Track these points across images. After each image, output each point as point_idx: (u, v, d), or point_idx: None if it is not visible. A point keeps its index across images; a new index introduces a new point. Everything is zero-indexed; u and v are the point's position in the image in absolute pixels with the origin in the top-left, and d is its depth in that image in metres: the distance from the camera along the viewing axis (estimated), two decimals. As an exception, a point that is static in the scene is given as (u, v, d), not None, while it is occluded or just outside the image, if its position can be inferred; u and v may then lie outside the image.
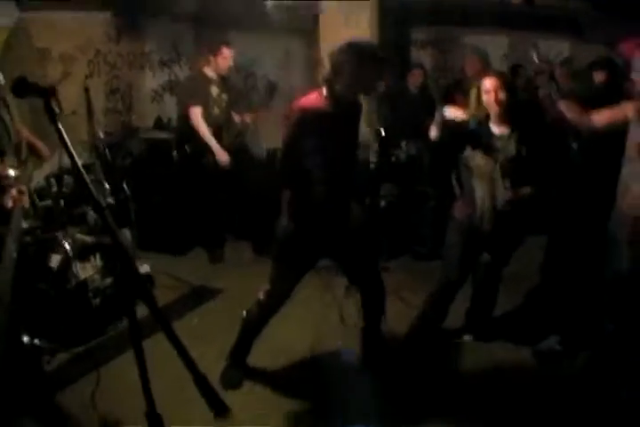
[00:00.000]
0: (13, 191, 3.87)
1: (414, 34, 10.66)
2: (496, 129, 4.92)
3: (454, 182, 5.28)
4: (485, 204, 4.97)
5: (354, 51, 4.27)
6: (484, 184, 4.95)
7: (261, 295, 4.73)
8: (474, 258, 5.22)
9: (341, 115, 4.40)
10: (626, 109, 4.68)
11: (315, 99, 4.40)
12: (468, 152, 4.96)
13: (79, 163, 2.42)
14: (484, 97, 4.85)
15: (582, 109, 4.98)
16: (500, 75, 4.96)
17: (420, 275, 6.56)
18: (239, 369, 4.95)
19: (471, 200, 5.03)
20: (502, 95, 4.79)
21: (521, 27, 9.19)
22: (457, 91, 7.70)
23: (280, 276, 4.69)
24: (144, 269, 5.96)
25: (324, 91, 4.38)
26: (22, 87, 2.60)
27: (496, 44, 10.00)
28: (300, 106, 4.38)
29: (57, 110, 2.52)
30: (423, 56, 10.74)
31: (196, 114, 7.09)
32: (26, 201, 3.99)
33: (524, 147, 4.84)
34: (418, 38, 10.67)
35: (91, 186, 2.41)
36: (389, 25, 8.92)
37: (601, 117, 4.87)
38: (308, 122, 4.32)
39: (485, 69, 7.38)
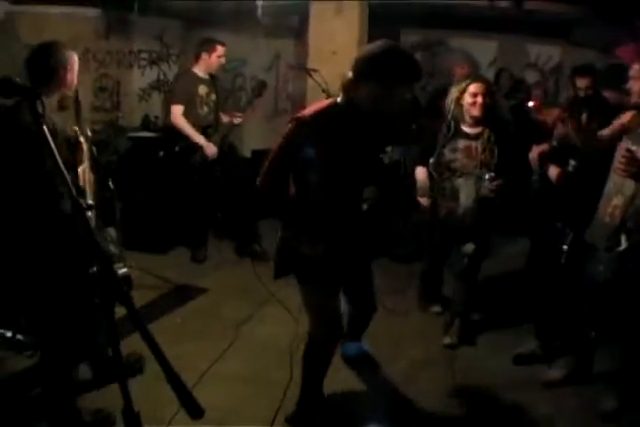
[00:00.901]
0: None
1: (404, 36, 10.57)
2: (469, 129, 5.35)
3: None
4: (470, 198, 5.33)
5: (390, 58, 3.65)
6: (468, 181, 5.31)
7: (314, 331, 4.21)
8: (451, 244, 5.64)
9: (353, 130, 3.80)
10: (624, 119, 4.69)
11: (324, 106, 3.90)
12: (450, 155, 5.33)
13: (61, 163, 2.38)
14: (469, 100, 5.22)
15: (582, 126, 5.09)
16: (485, 80, 5.41)
17: (399, 278, 6.59)
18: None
19: (453, 198, 5.36)
20: (486, 100, 5.18)
21: (510, 31, 9.18)
22: (443, 98, 7.72)
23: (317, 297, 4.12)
24: (122, 270, 5.91)
25: (339, 98, 3.89)
26: (8, 87, 2.57)
27: (485, 49, 9.99)
28: (306, 112, 3.90)
29: (41, 111, 2.47)
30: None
31: (177, 111, 7.12)
32: None
33: (496, 145, 5.27)
34: (408, 41, 10.59)
35: (71, 186, 2.37)
36: (380, 27, 8.92)
37: (606, 133, 4.92)
38: (308, 130, 3.78)
39: (473, 74, 7.47)
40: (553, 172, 5.18)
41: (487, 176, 5.18)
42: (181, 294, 6.44)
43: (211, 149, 7.14)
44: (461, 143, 5.32)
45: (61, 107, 4.09)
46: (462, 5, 7.07)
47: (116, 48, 9.18)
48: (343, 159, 3.79)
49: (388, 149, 7.52)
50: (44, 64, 4.01)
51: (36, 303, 4.07)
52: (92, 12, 8.75)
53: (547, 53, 9.86)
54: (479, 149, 5.29)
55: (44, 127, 2.42)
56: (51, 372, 4.12)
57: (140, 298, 5.95)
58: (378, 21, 8.33)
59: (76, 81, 4.14)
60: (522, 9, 7.27)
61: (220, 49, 7.25)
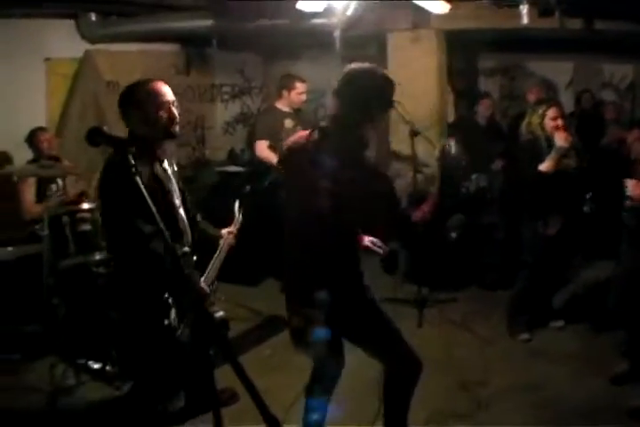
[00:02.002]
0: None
1: (482, 61, 10.57)
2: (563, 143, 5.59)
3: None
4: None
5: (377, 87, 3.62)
6: None
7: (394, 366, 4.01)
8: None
9: (322, 164, 3.61)
10: None
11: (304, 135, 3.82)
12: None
13: (158, 217, 2.40)
14: (551, 124, 5.60)
15: None
16: (559, 104, 5.89)
17: (488, 305, 6.59)
18: None
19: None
20: (564, 121, 5.67)
21: (585, 51, 9.15)
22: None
23: None
24: (219, 314, 5.88)
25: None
26: (98, 137, 2.62)
27: (561, 70, 9.95)
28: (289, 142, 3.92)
29: (132, 162, 2.50)
30: (491, 84, 10.58)
31: (262, 146, 7.20)
32: None
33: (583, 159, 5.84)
34: (486, 66, 10.64)
35: (166, 235, 2.38)
36: (457, 54, 8.95)
37: None
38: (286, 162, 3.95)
39: (548, 98, 7.51)
40: None
41: (587, 196, 5.98)
42: (271, 326, 6.50)
43: None
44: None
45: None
46: (536, 28, 7.06)
47: (197, 83, 9.29)
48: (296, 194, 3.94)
49: (474, 176, 7.56)
50: (128, 105, 3.99)
51: (127, 337, 4.22)
52: (170, 48, 8.92)
53: (621, 72, 9.78)
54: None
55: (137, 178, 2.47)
56: (139, 403, 4.27)
57: (230, 330, 6.05)
58: (455, 48, 8.37)
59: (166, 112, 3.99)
60: (592, 28, 7.24)
61: (299, 86, 7.33)
